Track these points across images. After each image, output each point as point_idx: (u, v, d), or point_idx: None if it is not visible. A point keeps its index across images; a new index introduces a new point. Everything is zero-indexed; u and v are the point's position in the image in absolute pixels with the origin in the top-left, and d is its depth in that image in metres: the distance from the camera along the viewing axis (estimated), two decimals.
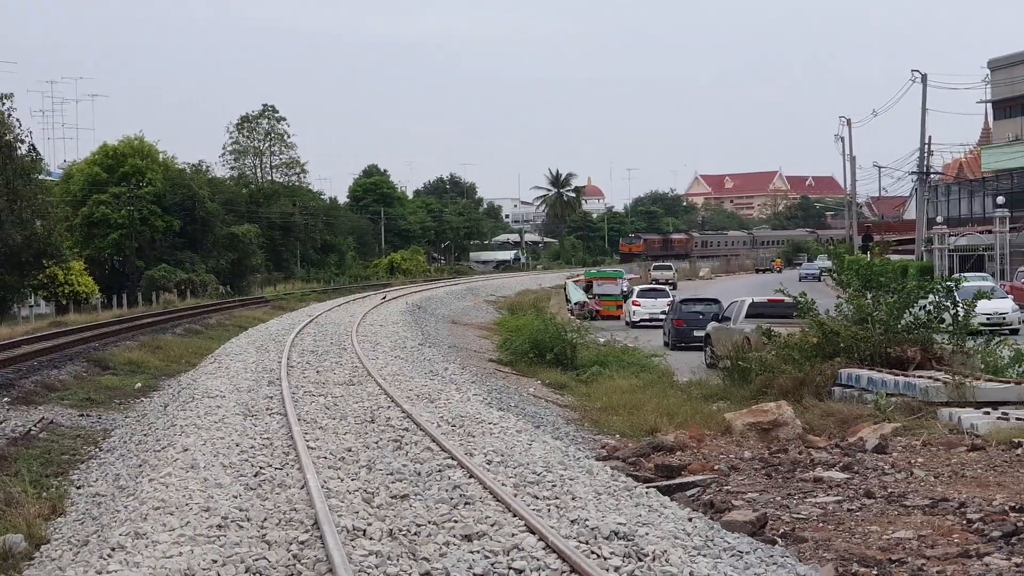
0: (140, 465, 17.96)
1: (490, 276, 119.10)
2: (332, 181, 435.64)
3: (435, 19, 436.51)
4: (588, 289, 64.85)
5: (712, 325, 35.82)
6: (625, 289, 64.69)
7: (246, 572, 10.82)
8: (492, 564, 11.02)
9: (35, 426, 23.15)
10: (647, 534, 12.01)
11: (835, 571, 11.68)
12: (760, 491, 15.53)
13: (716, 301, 43.74)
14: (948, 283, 26.36)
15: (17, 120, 61.07)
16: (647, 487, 15.33)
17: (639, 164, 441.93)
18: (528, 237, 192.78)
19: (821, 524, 13.60)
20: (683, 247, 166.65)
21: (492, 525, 12.37)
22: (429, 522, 12.55)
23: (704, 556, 11.52)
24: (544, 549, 11.42)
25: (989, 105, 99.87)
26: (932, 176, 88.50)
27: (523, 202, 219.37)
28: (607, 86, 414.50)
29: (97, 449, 21.59)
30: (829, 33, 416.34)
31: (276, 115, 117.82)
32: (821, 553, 12.33)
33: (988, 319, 40.50)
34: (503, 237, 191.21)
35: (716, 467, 17.38)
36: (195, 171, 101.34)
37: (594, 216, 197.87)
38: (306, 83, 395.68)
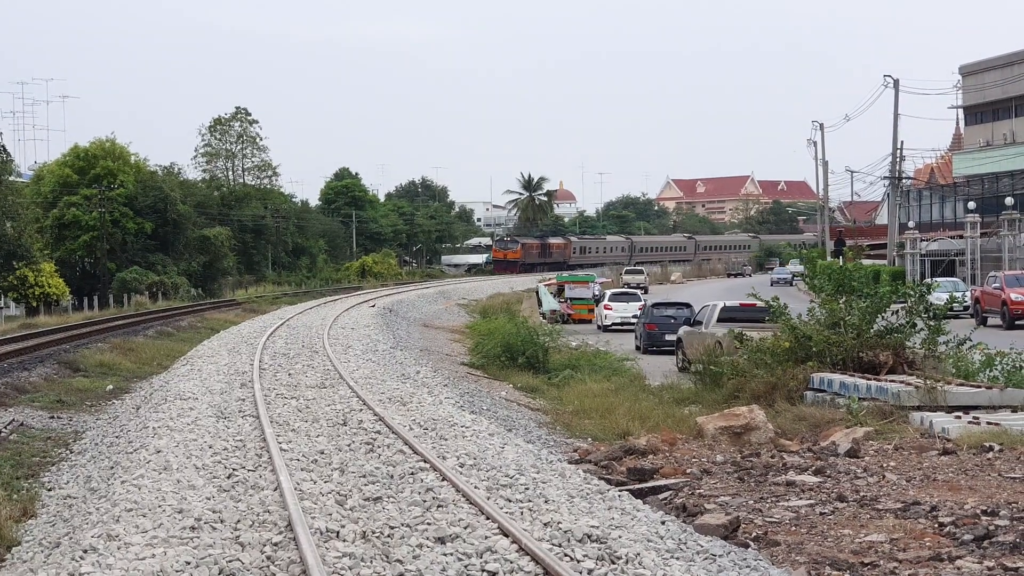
0: (112, 467, 17.89)
1: (462, 279, 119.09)
2: (304, 184, 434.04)
3: (407, 23, 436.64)
4: (560, 293, 64.81)
5: (684, 329, 35.85)
6: (597, 293, 64.70)
7: (220, 574, 10.79)
8: (466, 566, 11.02)
9: (5, 428, 23.03)
10: (620, 537, 12.03)
11: (807, 574, 11.72)
12: (733, 495, 15.57)
13: (688, 305, 43.79)
14: (920, 288, 26.48)
15: None
16: (620, 490, 15.37)
17: (611, 168, 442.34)
18: None
19: (793, 527, 13.64)
20: (561, 253, 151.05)
21: (465, 527, 12.37)
22: (402, 524, 12.55)
23: (677, 559, 11.56)
24: (518, 551, 11.44)
25: (960, 111, 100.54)
26: (904, 181, 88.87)
27: (495, 206, 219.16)
28: (579, 90, 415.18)
29: (68, 451, 21.47)
30: (802, 38, 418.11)
31: (248, 118, 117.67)
32: (793, 556, 12.38)
33: None
34: (475, 240, 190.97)
35: (688, 471, 17.41)
36: (167, 173, 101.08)
37: (566, 220, 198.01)
38: (278, 86, 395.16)
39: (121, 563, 11.08)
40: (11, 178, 67.75)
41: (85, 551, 11.72)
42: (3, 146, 62.42)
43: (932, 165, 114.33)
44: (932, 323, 25.29)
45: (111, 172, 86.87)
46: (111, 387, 31.42)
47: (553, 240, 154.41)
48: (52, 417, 25.61)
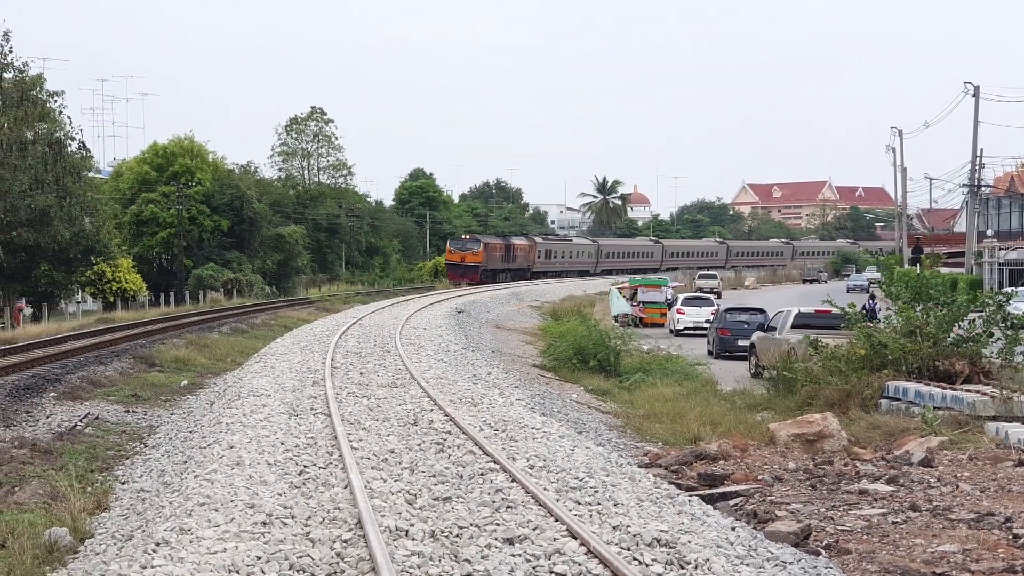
0: (185, 462, 18.07)
1: (534, 281, 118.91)
2: (378, 184, 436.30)
3: (484, 25, 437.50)
4: (633, 297, 64.62)
5: (757, 335, 35.66)
6: (669, 297, 64.49)
7: (290, 569, 10.87)
8: (534, 568, 11.02)
9: (81, 421, 23.35)
10: (689, 542, 11.98)
11: None
12: (804, 502, 15.46)
13: (761, 311, 43.52)
14: (998, 297, 26.19)
15: (68, 117, 61.78)
16: (690, 495, 15.30)
17: (686, 172, 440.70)
18: None
19: (865, 536, 13.52)
20: (525, 257, 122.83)
21: (534, 529, 12.37)
22: (471, 524, 12.56)
23: (747, 565, 11.48)
24: (586, 554, 11.42)
25: None
26: (983, 189, 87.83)
27: (569, 208, 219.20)
28: (655, 94, 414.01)
29: (142, 445, 21.73)
30: (881, 42, 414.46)
31: (324, 117, 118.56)
32: (865, 565, 12.27)
33: None
34: None
35: (760, 477, 17.31)
36: (244, 172, 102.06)
37: (640, 224, 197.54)
38: (355, 86, 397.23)
39: (193, 556, 11.18)
40: (90, 174, 68.61)
41: (157, 544, 11.84)
42: (83, 142, 63.19)
43: (1012, 173, 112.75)
44: (1009, 333, 25.01)
45: (189, 170, 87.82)
46: (185, 382, 31.72)
47: (517, 241, 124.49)
48: (127, 411, 25.92)
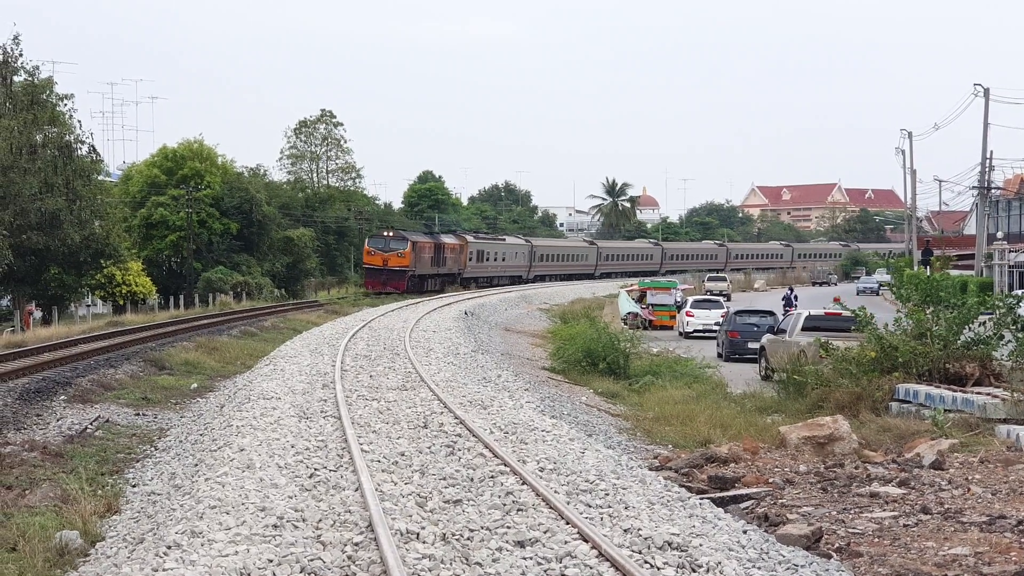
0: (196, 464, 18.08)
1: (543, 284, 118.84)
2: (387, 186, 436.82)
3: (491, 26, 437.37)
4: (642, 299, 64.61)
5: (767, 337, 35.63)
6: (679, 300, 64.49)
7: (301, 572, 10.87)
8: (545, 571, 11.01)
9: (91, 424, 23.37)
10: (701, 545, 11.97)
11: None
12: (815, 505, 15.45)
13: (771, 313, 43.53)
14: (1008, 300, 26.18)
15: (78, 121, 61.98)
16: (700, 498, 15.28)
17: (695, 174, 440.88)
18: None
19: (877, 539, 13.50)
20: (456, 259, 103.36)
21: (545, 532, 12.36)
22: (482, 527, 12.56)
23: (759, 569, 11.47)
24: (597, 557, 11.41)
25: None
26: (993, 191, 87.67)
27: (578, 211, 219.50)
28: (664, 96, 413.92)
29: (153, 448, 21.75)
30: (891, 44, 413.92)
31: (334, 120, 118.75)
32: (876, 568, 12.25)
33: None
34: None
35: (771, 480, 17.29)
36: (253, 175, 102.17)
37: (649, 226, 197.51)
38: (364, 89, 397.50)
39: (204, 560, 11.18)
40: (100, 177, 68.72)
41: (169, 547, 11.85)
42: (93, 146, 63.25)
43: (1022, 175, 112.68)
44: (1020, 335, 24.99)
45: (198, 173, 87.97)
46: (195, 385, 31.75)
47: (447, 240, 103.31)
48: (137, 414, 25.95)
